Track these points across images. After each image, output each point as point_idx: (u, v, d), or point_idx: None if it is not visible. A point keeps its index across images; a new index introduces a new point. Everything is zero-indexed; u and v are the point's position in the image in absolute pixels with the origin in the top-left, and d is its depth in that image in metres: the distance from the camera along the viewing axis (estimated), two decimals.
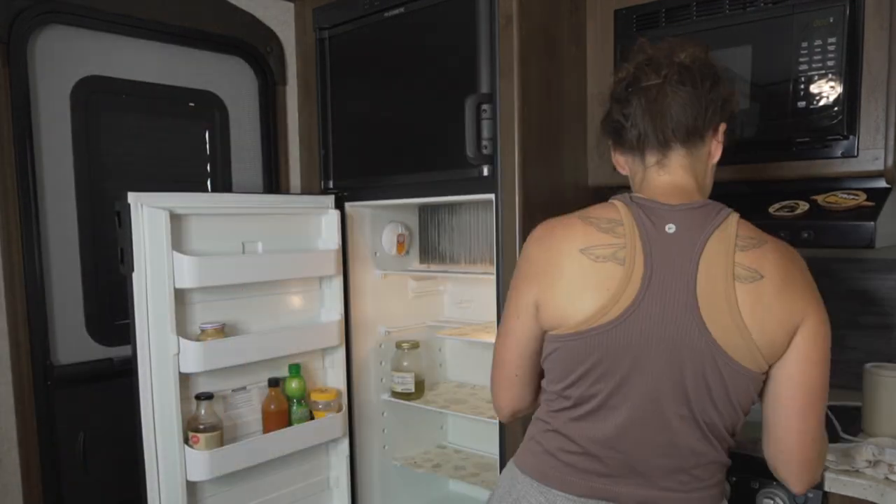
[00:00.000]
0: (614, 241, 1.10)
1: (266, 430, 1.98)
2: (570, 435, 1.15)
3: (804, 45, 1.50)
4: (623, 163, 1.23)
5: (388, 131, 2.00)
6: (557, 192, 1.82)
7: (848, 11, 1.45)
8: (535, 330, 1.18)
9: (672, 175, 1.16)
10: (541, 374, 1.24)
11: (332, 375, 2.20)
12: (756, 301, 1.04)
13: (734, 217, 1.11)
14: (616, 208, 1.14)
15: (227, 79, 2.23)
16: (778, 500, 1.36)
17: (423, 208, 2.45)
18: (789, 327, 1.06)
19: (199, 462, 1.78)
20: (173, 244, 1.72)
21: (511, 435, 1.77)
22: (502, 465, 1.79)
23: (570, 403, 1.15)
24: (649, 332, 1.06)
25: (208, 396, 1.82)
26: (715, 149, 1.19)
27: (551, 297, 1.13)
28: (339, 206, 2.14)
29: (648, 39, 1.21)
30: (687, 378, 1.06)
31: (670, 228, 1.10)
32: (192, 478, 1.78)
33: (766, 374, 1.09)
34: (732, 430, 1.12)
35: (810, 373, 1.07)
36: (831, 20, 1.46)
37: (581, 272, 1.10)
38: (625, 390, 1.10)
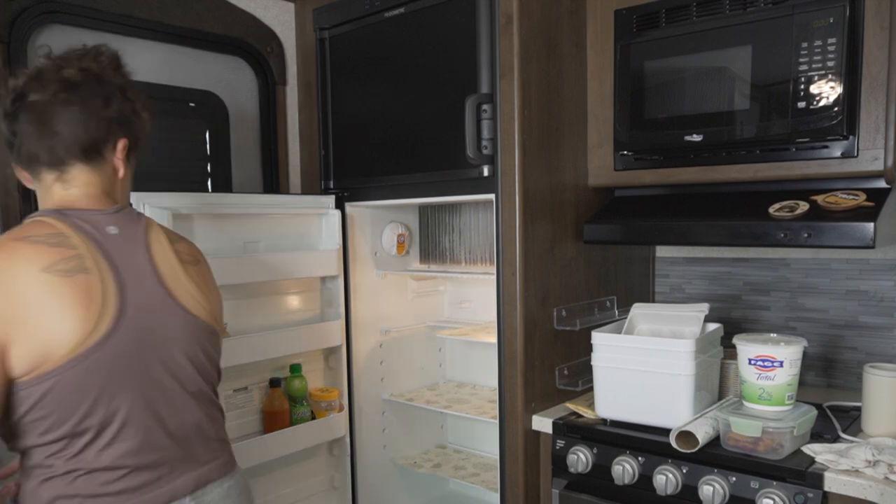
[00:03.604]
0: (72, 253, 1.06)
1: (267, 429, 1.99)
2: (108, 465, 1.07)
3: (804, 45, 1.50)
4: (28, 178, 1.17)
5: (388, 131, 2.00)
6: (557, 192, 1.82)
7: (848, 11, 1.45)
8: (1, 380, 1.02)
9: (79, 188, 1.14)
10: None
11: (333, 375, 2.20)
12: (202, 278, 1.25)
13: (148, 217, 1.23)
14: (50, 223, 1.09)
15: (227, 79, 2.23)
16: (778, 500, 1.37)
17: (423, 208, 2.45)
18: (218, 294, 1.31)
19: None
20: None
21: (512, 435, 1.77)
22: (502, 465, 1.80)
23: (93, 434, 1.06)
24: (149, 324, 1.12)
25: None
26: (118, 165, 1.18)
27: (26, 335, 1.00)
28: (340, 206, 2.14)
29: (50, 48, 1.17)
30: (190, 353, 1.17)
31: (112, 230, 1.13)
32: None
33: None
34: (215, 387, 1.27)
35: None
36: (831, 20, 1.46)
37: (54, 293, 1.02)
38: (145, 388, 1.10)
